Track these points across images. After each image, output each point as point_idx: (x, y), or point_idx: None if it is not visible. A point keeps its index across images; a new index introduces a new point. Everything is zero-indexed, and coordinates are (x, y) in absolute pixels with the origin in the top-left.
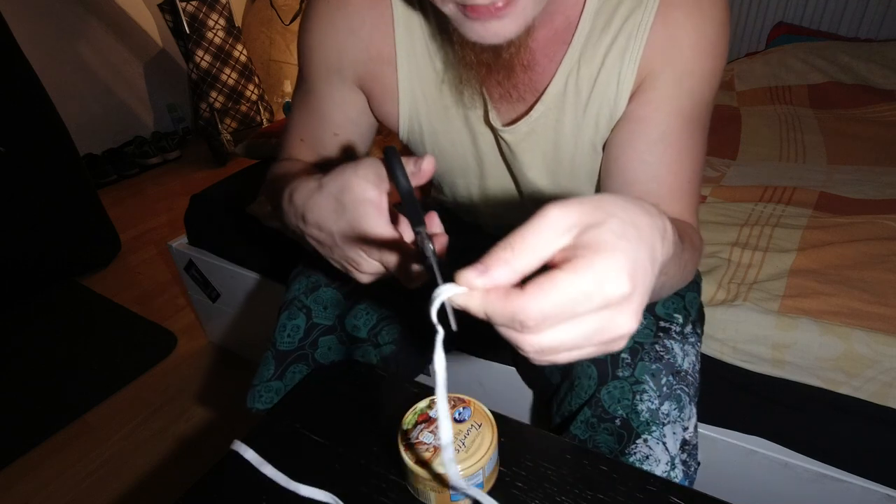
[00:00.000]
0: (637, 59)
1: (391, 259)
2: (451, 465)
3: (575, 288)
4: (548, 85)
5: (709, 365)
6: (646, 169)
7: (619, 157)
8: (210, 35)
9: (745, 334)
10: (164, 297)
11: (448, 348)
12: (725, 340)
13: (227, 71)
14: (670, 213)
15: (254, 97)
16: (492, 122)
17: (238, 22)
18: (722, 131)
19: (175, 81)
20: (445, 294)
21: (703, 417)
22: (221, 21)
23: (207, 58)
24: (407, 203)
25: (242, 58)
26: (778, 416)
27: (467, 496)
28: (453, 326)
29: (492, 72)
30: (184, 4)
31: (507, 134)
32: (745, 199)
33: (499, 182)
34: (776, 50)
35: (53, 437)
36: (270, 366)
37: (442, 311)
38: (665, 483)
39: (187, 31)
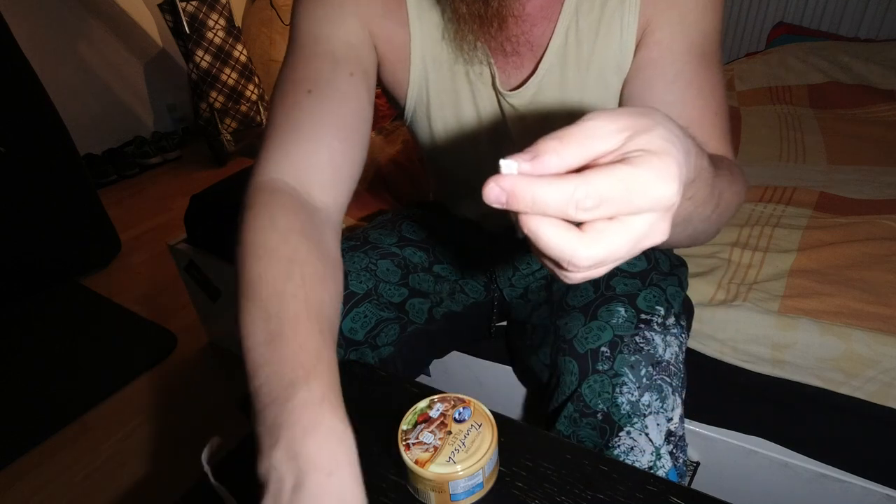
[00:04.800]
0: (637, 3)
1: None
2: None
3: (634, 179)
4: (548, 43)
5: (709, 365)
6: (669, 109)
7: None
8: (210, 35)
9: (744, 334)
10: (164, 297)
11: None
12: (725, 340)
13: (227, 71)
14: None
15: (254, 97)
16: (497, 86)
17: (238, 22)
18: None
19: (175, 81)
20: (504, 168)
21: (703, 418)
22: (221, 21)
23: (207, 58)
24: None
25: (242, 58)
26: (778, 416)
27: None
28: None
29: (484, 24)
30: (184, 4)
31: (514, 98)
32: (745, 199)
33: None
34: (776, 50)
35: (53, 437)
36: None
37: None
38: (665, 483)
39: (187, 31)
